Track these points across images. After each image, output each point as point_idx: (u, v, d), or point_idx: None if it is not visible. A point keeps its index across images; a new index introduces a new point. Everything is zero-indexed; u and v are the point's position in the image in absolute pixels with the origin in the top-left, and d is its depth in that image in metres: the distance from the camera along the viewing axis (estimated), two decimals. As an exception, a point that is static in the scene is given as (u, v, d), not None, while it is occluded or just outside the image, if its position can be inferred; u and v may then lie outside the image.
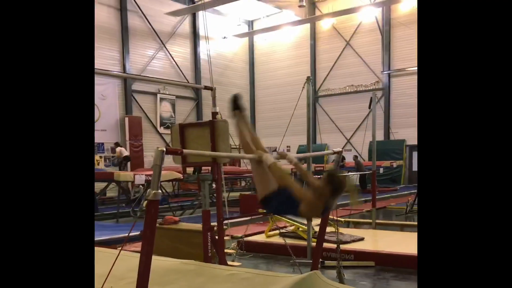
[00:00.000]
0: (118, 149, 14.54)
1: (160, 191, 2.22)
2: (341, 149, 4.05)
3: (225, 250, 4.86)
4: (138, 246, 5.58)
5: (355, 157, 15.39)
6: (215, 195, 5.61)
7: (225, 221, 4.93)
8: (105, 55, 15.30)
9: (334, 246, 4.97)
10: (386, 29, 18.11)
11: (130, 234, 2.79)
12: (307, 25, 19.72)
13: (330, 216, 4.43)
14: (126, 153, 14.59)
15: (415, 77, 17.42)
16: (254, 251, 5.98)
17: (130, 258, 3.59)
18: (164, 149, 2.22)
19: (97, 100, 14.69)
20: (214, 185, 4.77)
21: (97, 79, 14.64)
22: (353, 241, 5.90)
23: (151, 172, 9.98)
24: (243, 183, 15.71)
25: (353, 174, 13.87)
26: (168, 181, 10.72)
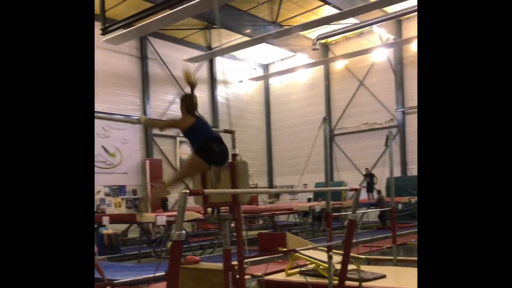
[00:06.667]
0: None
1: (184, 231, 2.36)
2: (359, 187, 4.20)
3: (246, 289, 4.92)
4: (159, 286, 5.69)
5: (379, 192, 15.37)
6: (234, 233, 5.72)
7: (245, 260, 5.01)
8: (126, 101, 15.95)
9: (356, 284, 4.98)
10: (398, 68, 18.43)
11: (152, 274, 2.92)
12: (321, 67, 20.18)
13: (352, 254, 4.49)
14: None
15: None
16: (274, 290, 5.99)
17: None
18: (188, 191, 2.36)
19: (118, 145, 15.16)
20: (233, 224, 4.89)
21: (119, 125, 15.17)
22: (375, 278, 5.86)
23: (171, 213, 10.07)
24: (260, 222, 15.71)
25: (373, 211, 13.86)
26: (188, 221, 10.85)
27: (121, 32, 13.78)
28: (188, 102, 4.11)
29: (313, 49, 18.22)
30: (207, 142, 3.88)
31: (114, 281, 6.21)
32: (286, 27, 15.92)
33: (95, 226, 11.11)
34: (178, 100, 18.15)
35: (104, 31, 13.76)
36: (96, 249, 6.37)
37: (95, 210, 13.54)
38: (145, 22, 13.27)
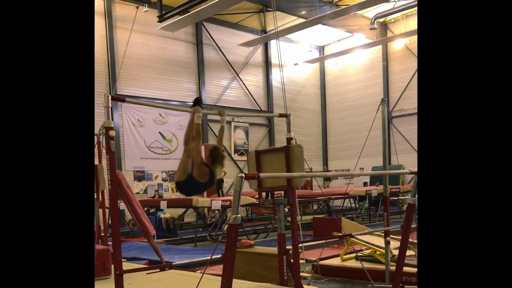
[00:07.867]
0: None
1: (239, 215, 2.30)
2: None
3: (300, 274, 4.87)
4: (215, 269, 5.78)
5: None
6: (288, 218, 5.67)
7: (300, 245, 4.96)
8: (182, 87, 16.26)
9: (414, 270, 4.81)
10: (463, 45, 17.39)
11: (208, 257, 2.96)
12: (379, 47, 19.47)
13: (410, 239, 4.32)
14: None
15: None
16: (329, 275, 5.92)
17: (209, 281, 3.78)
18: (243, 175, 2.32)
19: (175, 131, 15.52)
20: (286, 209, 4.83)
21: (175, 111, 15.52)
22: (435, 266, 5.62)
23: (226, 198, 10.20)
24: (315, 206, 15.57)
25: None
26: (243, 205, 10.95)
27: (177, 19, 13.98)
28: (215, 156, 4.11)
29: (371, 29, 17.57)
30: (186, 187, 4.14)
31: (173, 263, 6.40)
32: (343, 6, 15.43)
33: (153, 210, 11.51)
34: (233, 85, 18.19)
35: (161, 19, 14.03)
36: (154, 232, 6.56)
37: (153, 195, 13.99)
38: (200, 8, 13.37)
